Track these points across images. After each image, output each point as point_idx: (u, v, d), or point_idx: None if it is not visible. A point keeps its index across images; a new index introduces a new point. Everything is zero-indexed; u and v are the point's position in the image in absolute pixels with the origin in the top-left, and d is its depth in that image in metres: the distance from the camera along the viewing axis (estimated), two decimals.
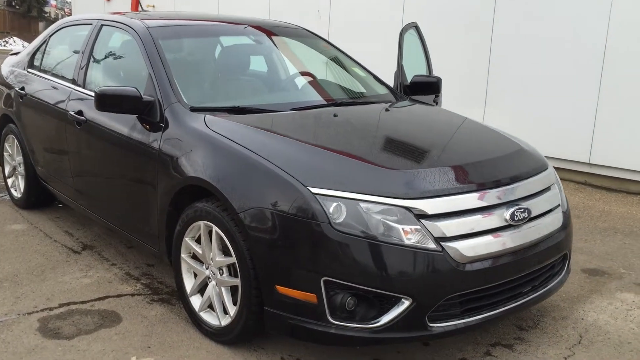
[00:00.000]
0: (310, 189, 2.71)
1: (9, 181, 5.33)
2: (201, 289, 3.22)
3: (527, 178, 3.07)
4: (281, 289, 2.75)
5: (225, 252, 3.01)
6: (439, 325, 2.72)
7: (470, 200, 2.81)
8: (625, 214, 5.55)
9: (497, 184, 2.92)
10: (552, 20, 6.53)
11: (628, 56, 6.08)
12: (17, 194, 5.20)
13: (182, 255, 3.26)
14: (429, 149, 3.25)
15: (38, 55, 5.01)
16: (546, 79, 6.62)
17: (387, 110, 3.84)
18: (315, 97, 4.11)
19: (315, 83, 4.25)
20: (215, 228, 3.00)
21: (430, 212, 2.69)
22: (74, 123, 4.07)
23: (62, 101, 4.29)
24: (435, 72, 4.96)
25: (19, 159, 5.08)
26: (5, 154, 5.31)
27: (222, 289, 3.05)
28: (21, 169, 5.08)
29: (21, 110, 4.89)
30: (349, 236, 2.64)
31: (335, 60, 4.50)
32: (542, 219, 3.04)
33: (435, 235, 2.67)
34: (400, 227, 2.65)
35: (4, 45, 28.21)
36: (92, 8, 12.22)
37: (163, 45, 3.77)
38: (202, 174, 3.06)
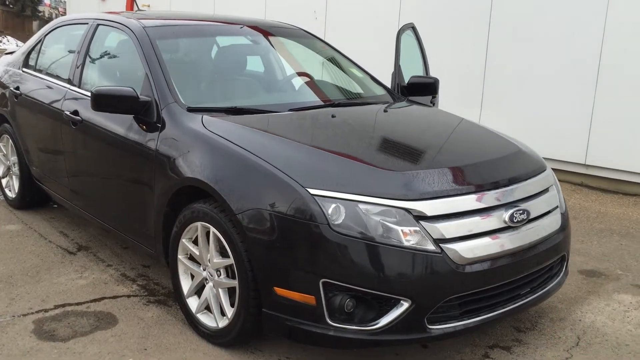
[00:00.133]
0: (308, 190, 2.69)
1: (3, 181, 5.29)
2: (198, 291, 3.20)
3: (526, 179, 3.07)
4: (279, 291, 2.74)
5: (223, 253, 2.99)
6: (438, 327, 2.71)
7: (469, 201, 2.80)
8: (622, 215, 5.55)
9: (496, 186, 2.91)
10: (548, 22, 6.53)
11: (624, 58, 6.08)
12: (11, 194, 5.17)
13: (179, 256, 3.24)
14: (428, 150, 3.24)
15: (33, 55, 4.98)
16: (542, 80, 6.63)
17: (385, 111, 3.83)
18: (313, 98, 4.09)
19: (312, 84, 4.24)
20: (212, 229, 2.98)
21: (429, 213, 2.68)
22: (70, 123, 4.04)
23: (58, 101, 4.26)
24: (432, 73, 4.96)
25: (14, 159, 5.05)
26: None
27: (220, 290, 3.03)
28: (15, 169, 5.05)
29: (16, 110, 4.85)
30: (348, 237, 2.62)
31: (333, 60, 4.48)
32: (541, 220, 3.03)
33: (434, 237, 2.66)
34: (399, 228, 2.64)
35: None
36: (87, 7, 12.17)
37: (160, 45, 3.74)
38: (200, 175, 3.03)
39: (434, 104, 4.62)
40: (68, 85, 4.26)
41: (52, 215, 5.00)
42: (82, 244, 4.42)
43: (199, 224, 3.06)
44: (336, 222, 2.64)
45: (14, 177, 5.12)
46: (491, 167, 3.04)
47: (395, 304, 2.65)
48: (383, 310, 2.67)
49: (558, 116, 6.54)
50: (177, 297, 3.36)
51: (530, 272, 2.98)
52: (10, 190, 5.19)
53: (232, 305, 2.97)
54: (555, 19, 6.48)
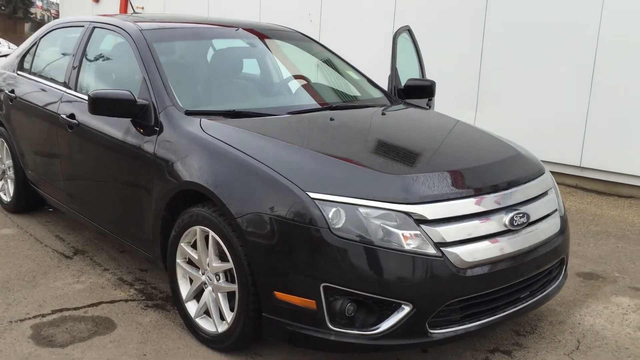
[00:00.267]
0: (309, 194, 2.68)
1: None
2: (197, 295, 3.18)
3: (526, 182, 3.07)
4: (280, 295, 2.72)
5: (222, 257, 2.97)
6: (439, 332, 2.70)
7: (470, 205, 2.80)
8: (617, 217, 5.57)
9: (496, 189, 2.91)
10: (542, 26, 6.55)
11: (618, 61, 6.10)
12: (6, 198, 5.13)
13: (178, 260, 3.22)
14: (428, 153, 3.23)
15: (28, 58, 4.95)
16: (537, 82, 6.64)
17: (383, 114, 3.83)
18: (311, 101, 4.07)
19: (310, 87, 4.23)
20: (211, 233, 2.96)
21: (430, 217, 2.68)
22: (66, 126, 4.01)
23: (54, 104, 4.23)
24: (427, 76, 4.96)
25: (9, 162, 5.01)
26: None
27: (219, 294, 3.01)
28: (10, 173, 5.01)
29: (11, 113, 4.82)
30: (349, 241, 2.61)
31: (330, 63, 4.48)
32: (541, 223, 3.03)
33: (435, 241, 2.66)
34: (400, 232, 2.63)
35: None
36: (80, 10, 12.13)
37: (157, 48, 3.72)
38: (199, 179, 3.02)
39: (430, 107, 4.62)
40: (64, 89, 4.23)
41: (48, 219, 4.97)
42: (79, 248, 4.39)
43: (197, 228, 3.05)
44: (336, 226, 2.63)
45: (8, 180, 5.09)
46: (491, 170, 3.04)
47: (396, 308, 2.64)
48: (384, 314, 2.65)
49: (553, 119, 6.55)
50: (175, 302, 3.34)
51: (531, 276, 2.98)
52: (5, 194, 5.15)
53: (231, 309, 2.95)
54: (550, 21, 6.49)
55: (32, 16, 41.09)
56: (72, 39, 4.44)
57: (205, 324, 3.12)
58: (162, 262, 3.40)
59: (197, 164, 3.08)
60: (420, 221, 2.66)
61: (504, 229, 2.83)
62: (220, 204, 2.88)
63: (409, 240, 2.63)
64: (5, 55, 5.48)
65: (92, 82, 4.17)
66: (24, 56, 4.99)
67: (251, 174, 2.85)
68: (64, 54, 4.53)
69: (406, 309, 2.63)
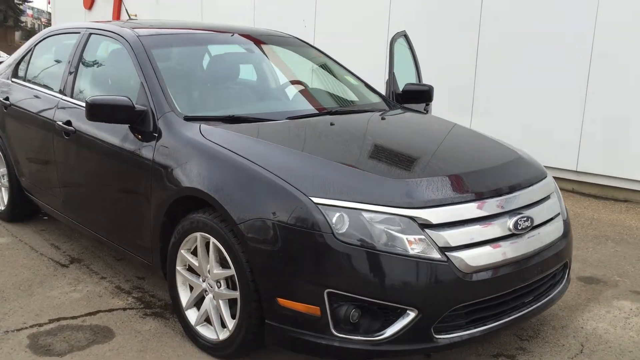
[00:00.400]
0: (312, 198, 2.65)
1: None
2: (197, 302, 3.14)
3: (529, 186, 3.05)
4: (283, 302, 2.69)
5: (223, 264, 2.94)
6: (444, 337, 2.67)
7: (474, 209, 2.77)
8: (615, 221, 5.57)
9: (499, 193, 2.89)
10: (538, 30, 6.56)
11: (613, 66, 6.12)
12: (0, 207, 5.07)
13: (178, 267, 3.18)
14: (430, 157, 3.21)
15: (23, 65, 4.90)
16: (533, 87, 6.65)
17: (383, 118, 3.81)
18: (310, 106, 4.05)
19: (309, 92, 4.21)
20: (212, 240, 2.92)
21: (434, 221, 2.65)
22: (62, 133, 3.97)
23: (49, 111, 4.19)
24: (423, 81, 4.96)
25: (3, 170, 4.96)
26: None
27: (220, 302, 2.98)
28: (5, 181, 4.95)
29: (5, 120, 4.77)
30: (353, 247, 2.58)
31: (328, 68, 4.46)
32: (544, 227, 3.02)
33: (439, 245, 2.63)
34: (404, 237, 2.61)
35: None
36: (72, 17, 12.08)
37: (155, 54, 3.69)
38: (199, 185, 2.98)
39: (427, 112, 4.61)
40: (60, 95, 4.19)
41: (43, 227, 4.92)
42: (75, 257, 4.34)
43: (198, 234, 3.01)
44: (340, 231, 2.60)
45: (2, 188, 5.03)
46: (494, 174, 3.02)
47: (401, 313, 2.61)
48: (389, 320, 2.63)
49: (549, 123, 6.56)
50: (175, 309, 3.29)
51: (535, 280, 2.95)
52: None
53: (232, 316, 2.92)
54: (545, 27, 6.51)
55: (22, 24, 40.96)
56: (67, 45, 4.40)
57: (206, 332, 3.08)
58: (161, 270, 3.36)
59: (197, 169, 3.05)
60: (425, 225, 2.64)
61: (508, 233, 2.81)
62: (221, 210, 2.85)
63: (414, 244, 2.61)
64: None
65: (89, 88, 4.12)
66: (18, 63, 4.94)
67: (253, 180, 2.82)
68: (59, 61, 4.50)
69: (411, 315, 2.60)
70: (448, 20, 7.28)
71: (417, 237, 2.62)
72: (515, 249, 2.82)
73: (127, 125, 3.46)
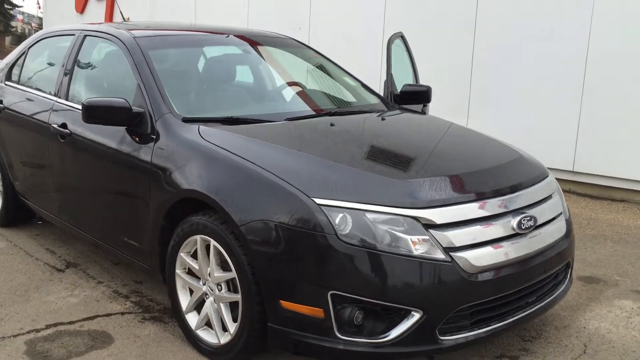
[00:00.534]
0: (314, 199, 2.62)
1: None
2: (197, 306, 3.10)
3: (531, 186, 3.03)
4: (286, 304, 2.66)
5: (224, 267, 2.90)
6: (449, 338, 2.65)
7: (477, 209, 2.75)
8: (612, 221, 5.56)
9: (502, 192, 2.87)
10: (533, 33, 6.56)
11: (609, 67, 6.13)
12: None
13: (177, 271, 3.14)
14: (432, 157, 3.18)
15: (16, 68, 4.85)
16: (529, 88, 6.65)
17: (382, 119, 3.78)
18: (309, 107, 4.01)
19: (307, 93, 4.18)
20: (213, 242, 2.89)
21: (438, 221, 2.63)
22: (57, 136, 3.92)
23: (44, 114, 4.14)
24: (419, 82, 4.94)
25: None
26: None
27: (221, 305, 2.94)
28: None
29: None
30: (357, 248, 2.55)
31: (326, 69, 4.43)
32: (547, 227, 3.00)
33: (443, 245, 2.61)
34: (408, 237, 2.58)
35: None
36: (64, 21, 12.00)
37: (152, 56, 3.65)
38: (199, 187, 2.95)
39: (425, 113, 4.59)
40: (55, 98, 4.14)
41: (37, 231, 4.86)
42: (71, 261, 4.29)
43: (198, 237, 2.97)
44: (343, 232, 2.57)
45: None
46: (496, 174, 3.00)
47: (405, 315, 2.58)
48: (393, 321, 2.60)
49: (545, 124, 6.56)
50: (175, 313, 3.25)
51: (539, 280, 2.93)
52: None
53: (234, 320, 2.88)
54: (541, 28, 6.51)
55: (12, 29, 40.78)
56: (62, 48, 4.35)
57: (207, 336, 3.04)
58: (160, 273, 3.32)
59: (197, 171, 3.01)
60: (429, 226, 2.61)
61: (512, 232, 2.79)
62: (222, 212, 2.81)
63: (418, 245, 2.58)
64: None
65: (84, 90, 4.08)
66: (11, 66, 4.89)
67: (255, 181, 2.79)
68: (54, 64, 4.44)
69: (416, 316, 2.57)
70: (444, 22, 7.26)
71: (421, 237, 2.59)
72: (519, 249, 2.80)
73: (123, 128, 3.42)
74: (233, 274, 2.82)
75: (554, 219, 3.08)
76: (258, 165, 2.83)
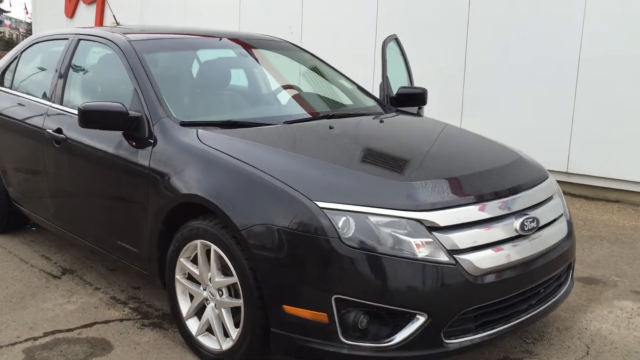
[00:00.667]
0: (317, 203, 2.60)
1: None
2: (198, 312, 3.06)
3: (532, 187, 3.03)
4: (289, 309, 2.63)
5: (225, 272, 2.87)
6: (454, 342, 2.63)
7: (480, 211, 2.73)
8: (608, 221, 5.58)
9: (505, 194, 2.86)
10: (526, 34, 6.58)
11: (601, 68, 6.15)
12: None
13: (177, 276, 3.11)
14: (433, 159, 3.17)
15: (9, 72, 4.79)
16: (522, 90, 6.66)
17: (381, 121, 3.77)
18: (307, 110, 3.99)
19: (304, 96, 4.16)
20: (214, 247, 2.86)
21: (441, 224, 2.61)
22: (52, 142, 3.87)
23: (38, 119, 4.09)
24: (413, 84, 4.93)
25: None
26: None
27: (223, 310, 2.91)
28: None
29: None
30: (360, 251, 2.53)
31: (322, 72, 4.41)
32: (549, 228, 2.99)
33: (447, 248, 2.59)
34: (412, 240, 2.56)
35: None
36: (53, 26, 11.92)
37: (148, 59, 3.62)
38: (199, 191, 2.91)
39: (420, 115, 4.58)
40: (49, 103, 4.09)
41: (32, 238, 4.81)
42: (66, 267, 4.24)
43: (198, 242, 2.94)
44: (347, 236, 2.55)
45: None
46: (498, 175, 2.99)
47: (410, 318, 2.56)
48: (398, 325, 2.57)
49: (539, 125, 6.57)
50: (175, 319, 3.22)
51: (542, 281, 2.92)
52: None
53: (236, 325, 2.85)
54: (533, 30, 6.53)
55: (0, 35, 40.52)
56: (55, 52, 4.31)
57: (208, 342, 3.00)
58: (159, 279, 3.28)
59: (196, 175, 2.98)
60: (432, 228, 2.60)
61: (515, 234, 2.78)
62: (223, 217, 2.78)
63: (421, 248, 2.56)
64: None
65: (79, 95, 4.04)
66: (4, 71, 4.84)
67: (255, 185, 2.76)
68: (47, 68, 4.40)
69: (421, 319, 2.55)
70: (436, 23, 7.27)
71: (424, 240, 2.57)
72: (522, 251, 2.79)
73: (120, 132, 3.38)
74: (234, 278, 2.79)
75: (555, 220, 3.07)
76: (259, 169, 2.80)
